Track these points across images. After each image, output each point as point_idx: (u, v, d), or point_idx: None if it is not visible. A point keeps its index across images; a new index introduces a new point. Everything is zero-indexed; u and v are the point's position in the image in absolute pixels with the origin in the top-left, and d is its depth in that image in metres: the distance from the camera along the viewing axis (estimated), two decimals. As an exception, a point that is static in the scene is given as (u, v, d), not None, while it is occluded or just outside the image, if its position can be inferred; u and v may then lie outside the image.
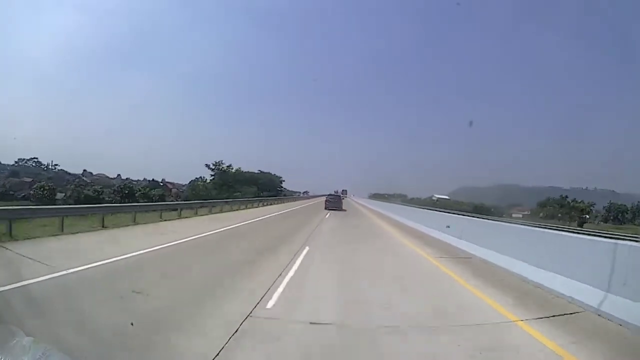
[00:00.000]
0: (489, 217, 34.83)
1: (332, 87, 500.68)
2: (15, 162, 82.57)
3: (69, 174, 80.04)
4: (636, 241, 6.47)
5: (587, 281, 4.67)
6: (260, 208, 28.89)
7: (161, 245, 8.09)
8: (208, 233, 10.96)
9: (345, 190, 67.42)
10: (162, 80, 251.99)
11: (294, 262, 6.97)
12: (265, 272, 6.03)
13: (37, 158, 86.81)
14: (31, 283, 4.66)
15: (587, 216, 56.50)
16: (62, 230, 9.18)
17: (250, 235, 11.73)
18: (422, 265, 7.59)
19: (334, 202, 29.45)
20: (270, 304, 4.40)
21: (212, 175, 65.64)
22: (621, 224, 56.17)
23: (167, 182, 77.94)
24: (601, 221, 59.02)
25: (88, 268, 5.65)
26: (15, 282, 4.56)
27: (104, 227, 10.67)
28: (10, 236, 7.81)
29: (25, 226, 8.96)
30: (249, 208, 27.44)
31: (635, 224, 55.19)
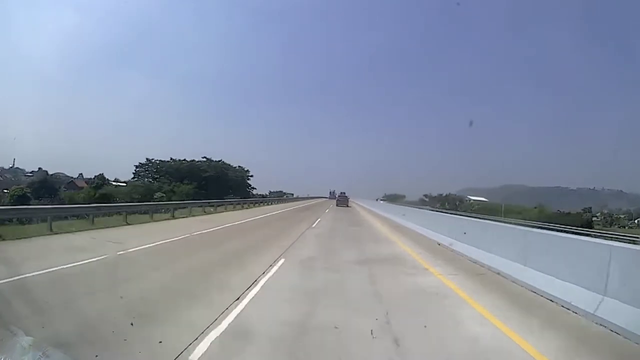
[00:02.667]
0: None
1: (327, 87, 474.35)
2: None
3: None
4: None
5: None
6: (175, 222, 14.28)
7: None
8: None
9: (344, 193, 54.53)
10: (156, 80, 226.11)
11: None
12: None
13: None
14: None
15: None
16: None
17: None
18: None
19: (342, 201, 41.25)
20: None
21: (135, 169, 46.64)
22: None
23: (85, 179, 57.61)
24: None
25: None
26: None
27: None
28: None
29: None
30: (166, 219, 15.94)
31: None
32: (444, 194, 78.85)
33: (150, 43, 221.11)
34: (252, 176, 59.79)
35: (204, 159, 50.38)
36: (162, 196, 34.89)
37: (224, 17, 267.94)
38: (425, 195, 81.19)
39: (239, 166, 58.03)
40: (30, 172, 70.32)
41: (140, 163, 46.92)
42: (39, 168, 70.24)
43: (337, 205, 39.32)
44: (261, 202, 37.54)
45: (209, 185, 43.46)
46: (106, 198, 37.90)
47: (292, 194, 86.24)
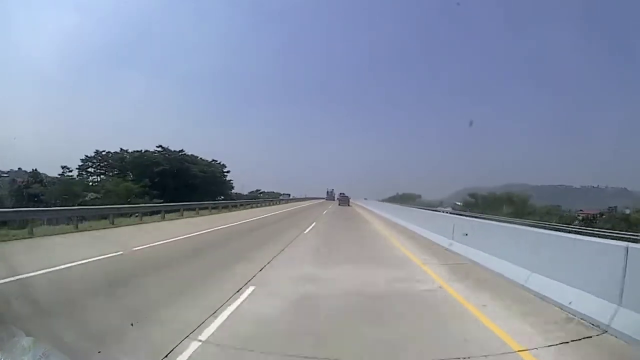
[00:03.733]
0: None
1: (327, 87, 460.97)
2: None
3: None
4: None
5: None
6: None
7: None
8: None
9: (344, 194, 53.27)
10: (156, 80, 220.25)
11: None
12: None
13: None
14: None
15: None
16: None
17: None
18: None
19: (343, 201, 47.59)
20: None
21: (81, 164, 40.60)
22: None
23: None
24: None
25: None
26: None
27: None
28: None
29: None
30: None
31: None
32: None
33: (150, 43, 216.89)
34: (228, 172, 51.95)
35: (160, 149, 41.90)
36: (96, 197, 29.37)
37: (224, 17, 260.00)
38: (471, 195, 56.50)
39: (213, 160, 49.70)
40: (7, 173, 63.27)
41: (86, 156, 40.69)
42: (19, 168, 63.38)
43: (339, 204, 44.75)
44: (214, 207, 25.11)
45: (165, 182, 37.87)
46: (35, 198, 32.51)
47: (289, 194, 79.79)
